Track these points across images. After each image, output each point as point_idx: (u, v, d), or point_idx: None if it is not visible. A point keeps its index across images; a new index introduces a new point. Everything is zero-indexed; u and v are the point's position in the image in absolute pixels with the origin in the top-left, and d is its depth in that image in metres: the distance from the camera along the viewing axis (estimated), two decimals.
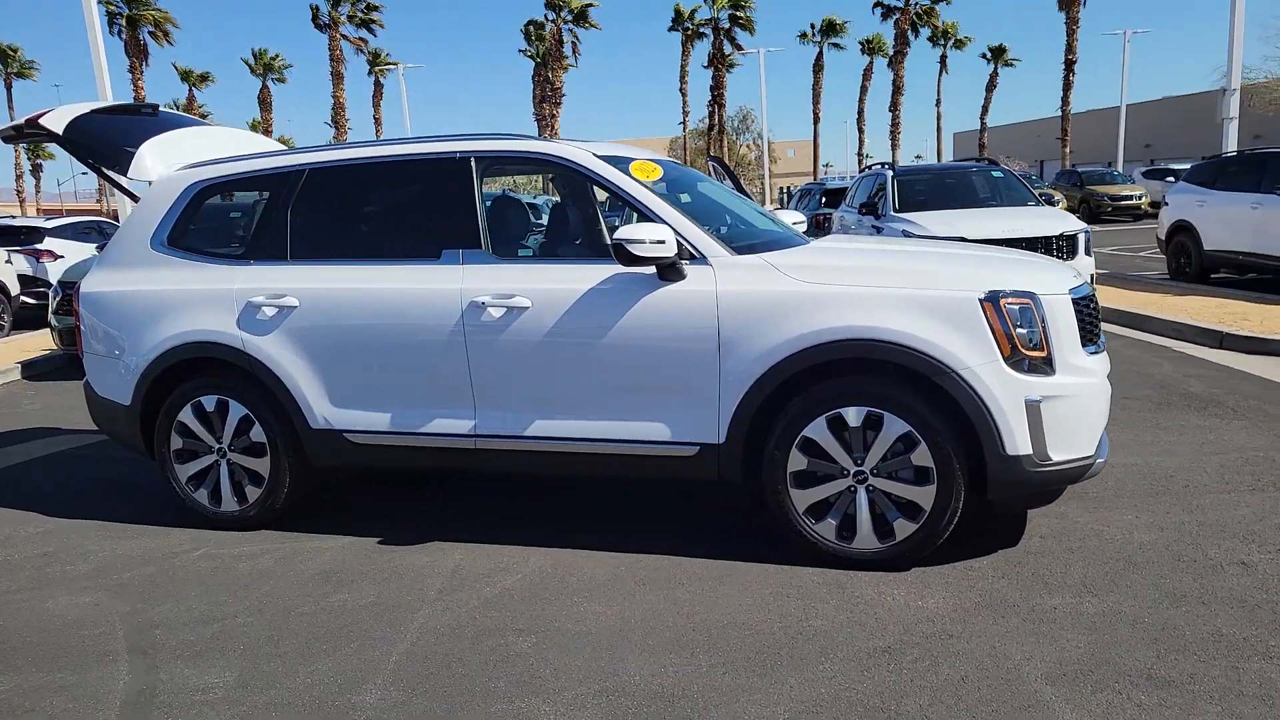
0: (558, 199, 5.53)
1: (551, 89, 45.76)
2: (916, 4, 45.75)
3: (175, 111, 5.50)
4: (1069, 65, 39.77)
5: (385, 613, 3.55)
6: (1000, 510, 3.72)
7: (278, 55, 53.17)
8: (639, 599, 3.54)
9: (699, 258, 3.84)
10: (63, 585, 3.99)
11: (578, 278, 3.96)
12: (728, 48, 48.45)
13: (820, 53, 52.47)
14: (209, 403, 4.52)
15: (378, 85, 49.34)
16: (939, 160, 51.10)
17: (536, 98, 48.04)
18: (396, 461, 4.36)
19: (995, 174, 11.09)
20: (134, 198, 5.57)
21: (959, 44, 53.39)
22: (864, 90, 52.52)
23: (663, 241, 3.71)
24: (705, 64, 50.23)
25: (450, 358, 4.10)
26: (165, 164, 4.89)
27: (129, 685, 3.09)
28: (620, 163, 4.16)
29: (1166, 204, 13.60)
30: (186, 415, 4.56)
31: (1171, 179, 35.03)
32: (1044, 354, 3.55)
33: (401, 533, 4.39)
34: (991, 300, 3.52)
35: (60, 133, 4.90)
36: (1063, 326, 3.61)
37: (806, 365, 3.63)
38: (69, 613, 3.71)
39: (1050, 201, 13.82)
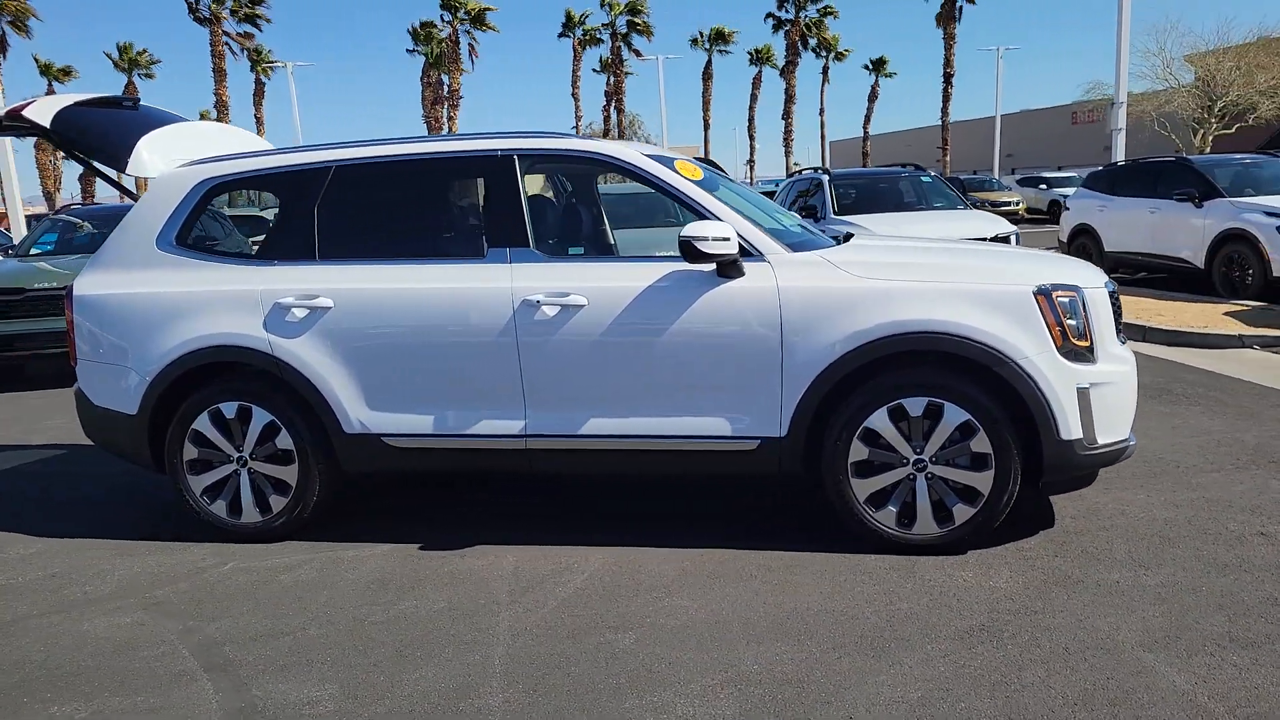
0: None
1: (449, 91, 45.04)
2: (806, 17, 47.15)
3: (155, 106, 5.21)
4: (947, 78, 41.74)
5: (464, 618, 3.48)
6: (1047, 493, 3.92)
7: (145, 50, 50.63)
8: (718, 592, 3.58)
9: (756, 255, 3.91)
10: (91, 607, 3.75)
11: (635, 275, 3.97)
12: (625, 53, 48.82)
13: (709, 61, 53.49)
14: (229, 409, 4.32)
15: (259, 84, 47.56)
16: (823, 166, 52.76)
17: (428, 99, 47.19)
18: (438, 464, 4.26)
19: (924, 179, 11.59)
20: (129, 193, 5.27)
21: (839, 56, 55.21)
22: (754, 99, 53.81)
23: (727, 239, 3.76)
24: (598, 69, 50.45)
25: (500, 357, 4.04)
26: (164, 160, 4.65)
27: (224, 704, 2.94)
28: (666, 162, 4.20)
29: (1067, 208, 14.47)
30: (203, 423, 4.34)
31: (1044, 185, 37.15)
32: (1088, 344, 3.77)
33: (442, 538, 4.30)
34: (1044, 293, 3.72)
35: (48, 125, 4.59)
36: (1103, 318, 3.84)
37: (870, 358, 3.75)
38: (115, 634, 3.49)
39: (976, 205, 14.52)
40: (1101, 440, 3.77)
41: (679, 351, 3.91)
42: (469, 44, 45.11)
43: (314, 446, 4.28)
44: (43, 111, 4.62)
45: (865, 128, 54.63)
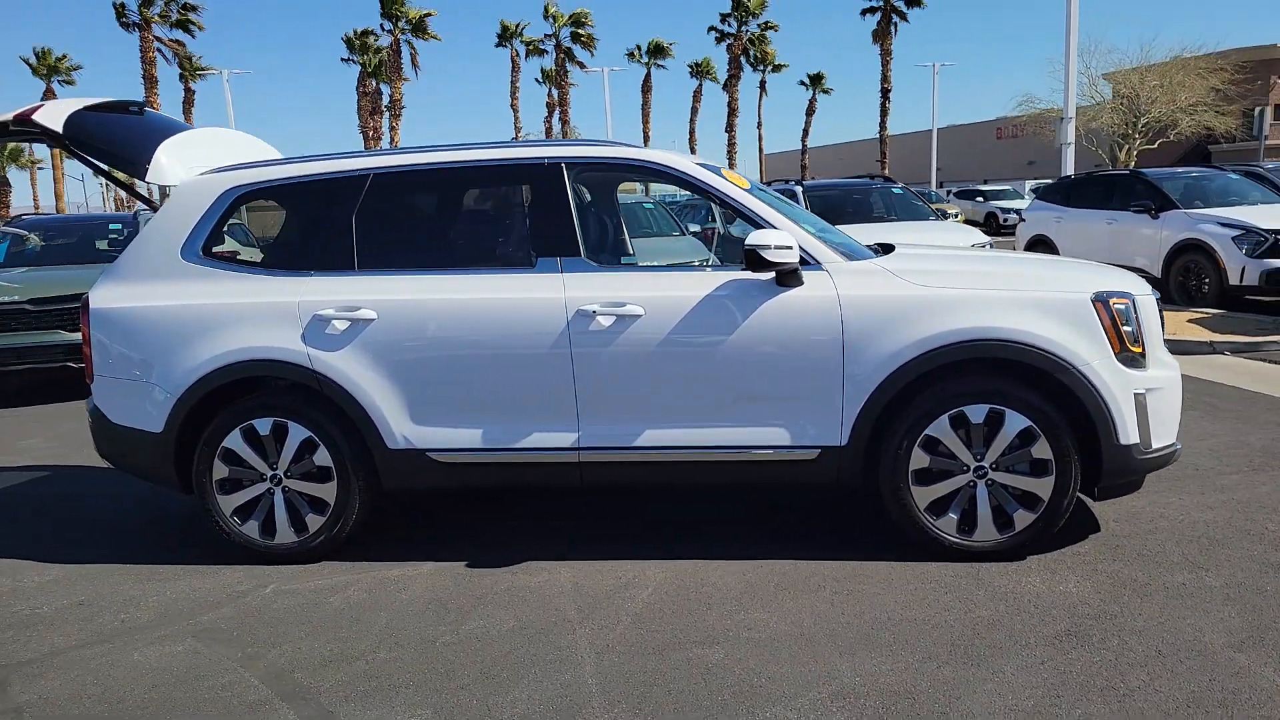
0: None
1: (391, 100, 44.41)
2: (748, 32, 47.75)
3: (158, 112, 5.01)
4: (885, 93, 42.68)
5: (538, 637, 3.38)
6: (1101, 498, 3.97)
7: (65, 55, 49.08)
8: (791, 604, 3.55)
9: (813, 263, 3.91)
10: (134, 636, 3.55)
11: (692, 284, 3.93)
12: (569, 65, 48.72)
13: (648, 74, 53.77)
14: (263, 426, 4.14)
15: (189, 92, 46.37)
16: (761, 179, 53.65)
17: (365, 109, 46.48)
18: (485, 479, 4.15)
19: (895, 190, 11.78)
20: (147, 202, 5.05)
21: (776, 69, 55.99)
22: (694, 111, 54.34)
23: (790, 247, 3.75)
24: (540, 79, 50.32)
25: (553, 368, 3.96)
26: (184, 168, 4.47)
27: None
28: (715, 171, 4.17)
29: (1024, 220, 14.85)
30: (234, 441, 4.16)
31: (980, 198, 38.09)
32: (1141, 350, 3.85)
33: (487, 555, 4.18)
34: (1101, 300, 3.78)
35: (60, 130, 4.37)
36: (1152, 324, 3.92)
37: (932, 366, 3.76)
38: (170, 664, 3.31)
39: (943, 216, 14.82)
40: (1155, 445, 3.84)
41: (738, 361, 3.87)
42: (410, 53, 44.61)
43: (354, 463, 4.13)
44: (53, 116, 4.40)
45: (803, 141, 55.47)
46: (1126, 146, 39.04)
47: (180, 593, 3.94)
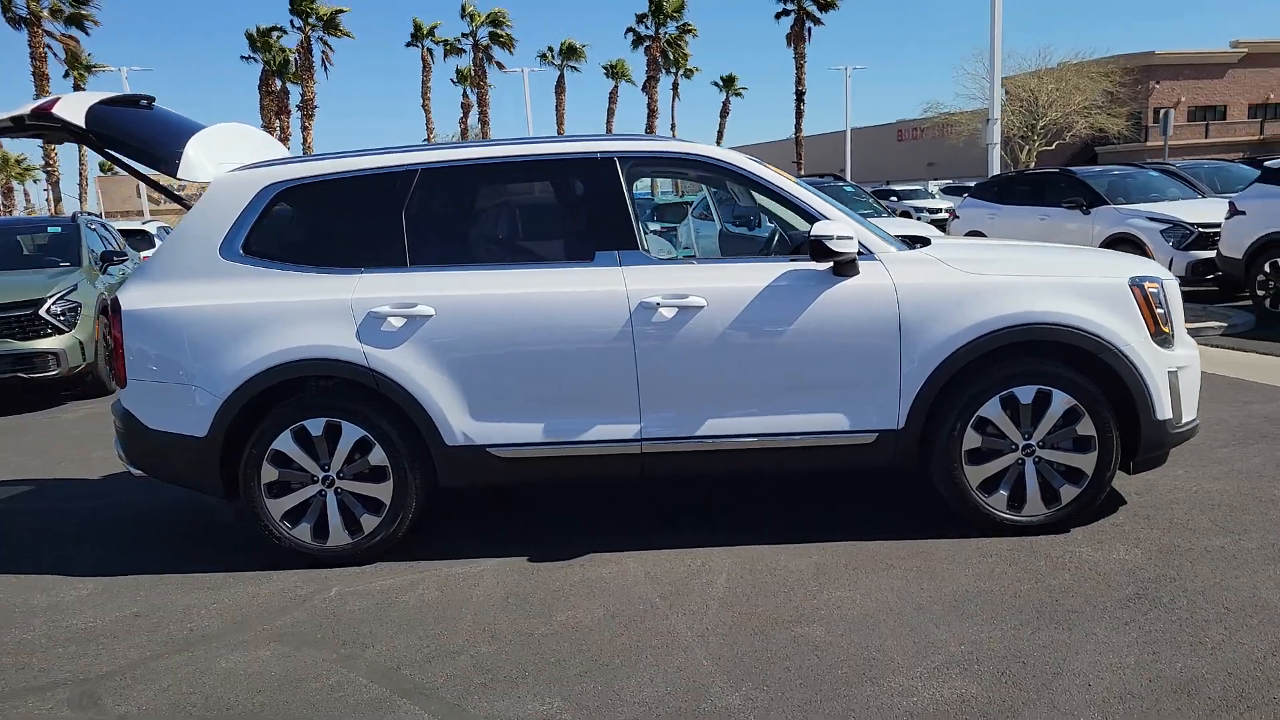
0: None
1: (303, 100, 43.19)
2: (666, 34, 48.13)
3: (168, 108, 4.84)
4: (799, 95, 43.64)
5: (634, 623, 3.42)
6: (1135, 472, 4.21)
7: None
8: (869, 582, 3.67)
9: (867, 254, 4.04)
10: (211, 644, 3.45)
11: (752, 275, 4.03)
12: (488, 65, 48.23)
13: (561, 75, 53.67)
14: (314, 426, 4.06)
15: (77, 89, 44.23)
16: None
17: (269, 108, 45.10)
18: (545, 474, 4.16)
19: (847, 188, 12.11)
20: (175, 198, 4.87)
21: (688, 73, 56.54)
22: (611, 113, 54.48)
23: (850, 238, 3.89)
24: (455, 80, 49.69)
25: (615, 360, 4.00)
26: (214, 164, 4.35)
27: None
28: (760, 165, 4.28)
29: (957, 217, 15.42)
30: (284, 442, 4.07)
31: (895, 198, 39.25)
32: (1170, 331, 4.10)
33: (544, 549, 4.19)
34: (1137, 284, 4.02)
35: (83, 125, 4.21)
36: (1177, 307, 4.18)
37: (985, 350, 3.94)
38: (265, 668, 3.23)
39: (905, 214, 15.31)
40: (1184, 420, 4.10)
41: (799, 350, 3.98)
42: (322, 51, 43.52)
43: (411, 461, 4.09)
44: (73, 110, 4.24)
45: (718, 142, 56.09)
46: (1027, 147, 40.79)
47: (239, 599, 3.84)
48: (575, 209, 4.19)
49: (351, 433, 4.07)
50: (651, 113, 49.13)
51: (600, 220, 4.10)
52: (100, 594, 3.98)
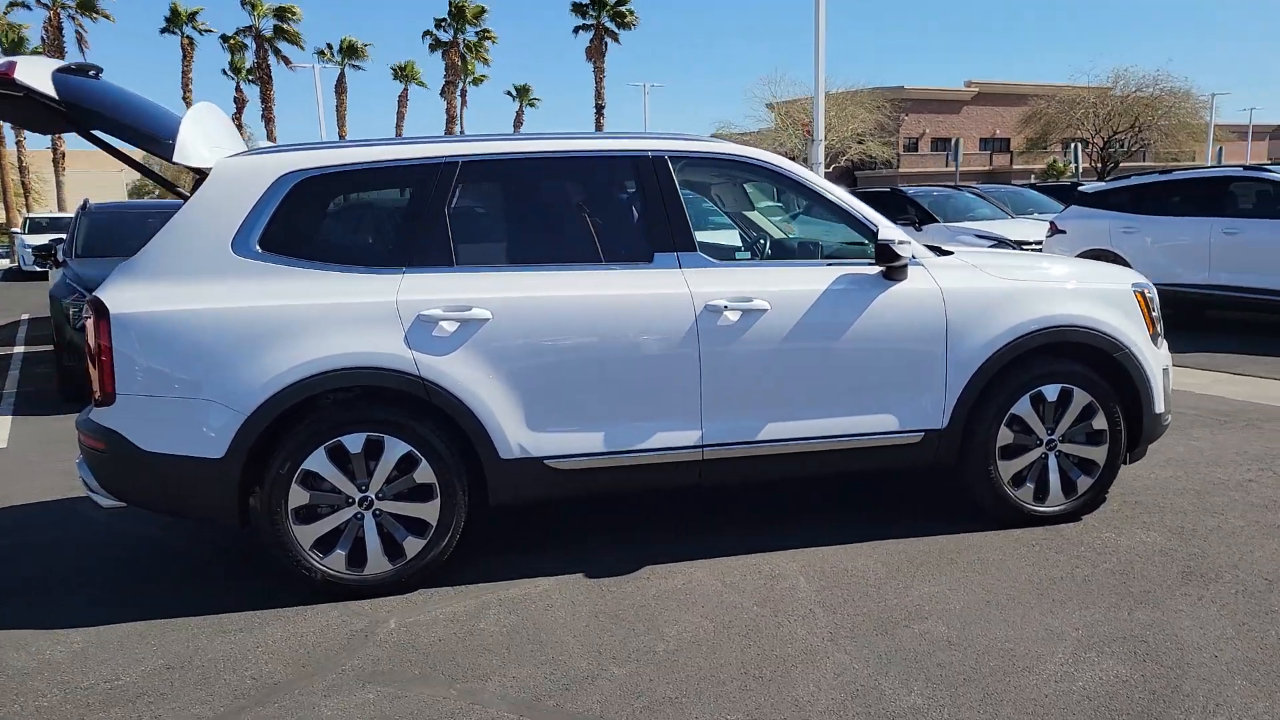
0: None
1: None
2: (465, 39, 47.14)
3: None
4: (599, 109, 44.28)
5: (753, 633, 3.34)
6: (1132, 461, 4.59)
7: None
8: (948, 578, 3.77)
9: (912, 259, 4.18)
10: (295, 691, 3.02)
11: (811, 279, 4.05)
12: (274, 60, 45.18)
13: (342, 74, 51.25)
14: (353, 443, 3.67)
15: None
16: None
17: None
18: (603, 484, 3.97)
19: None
20: (166, 184, 4.22)
21: (476, 80, 55.79)
22: (400, 116, 52.64)
23: (908, 243, 4.01)
24: (229, 72, 46.33)
25: (680, 365, 3.90)
26: (209, 148, 3.85)
27: None
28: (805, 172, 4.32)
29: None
30: (317, 461, 3.65)
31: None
32: (1159, 331, 4.53)
33: (596, 564, 4.00)
34: (1139, 289, 4.41)
35: (55, 95, 3.57)
36: (1158, 310, 4.62)
37: (1021, 351, 4.17)
38: (386, 712, 2.86)
39: None
40: (1169, 412, 4.54)
41: (856, 352, 4.05)
42: (77, 31, 39.09)
43: (461, 477, 3.78)
44: (36, 75, 3.58)
45: None
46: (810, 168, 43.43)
47: (286, 640, 3.39)
48: (630, 208, 4.04)
49: (395, 448, 3.70)
50: (450, 118, 48.01)
51: (658, 220, 3.98)
52: (98, 648, 3.38)
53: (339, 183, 3.88)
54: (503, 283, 3.80)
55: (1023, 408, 4.23)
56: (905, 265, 4.08)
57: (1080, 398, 4.28)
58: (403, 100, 52.33)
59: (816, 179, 4.24)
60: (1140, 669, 3.01)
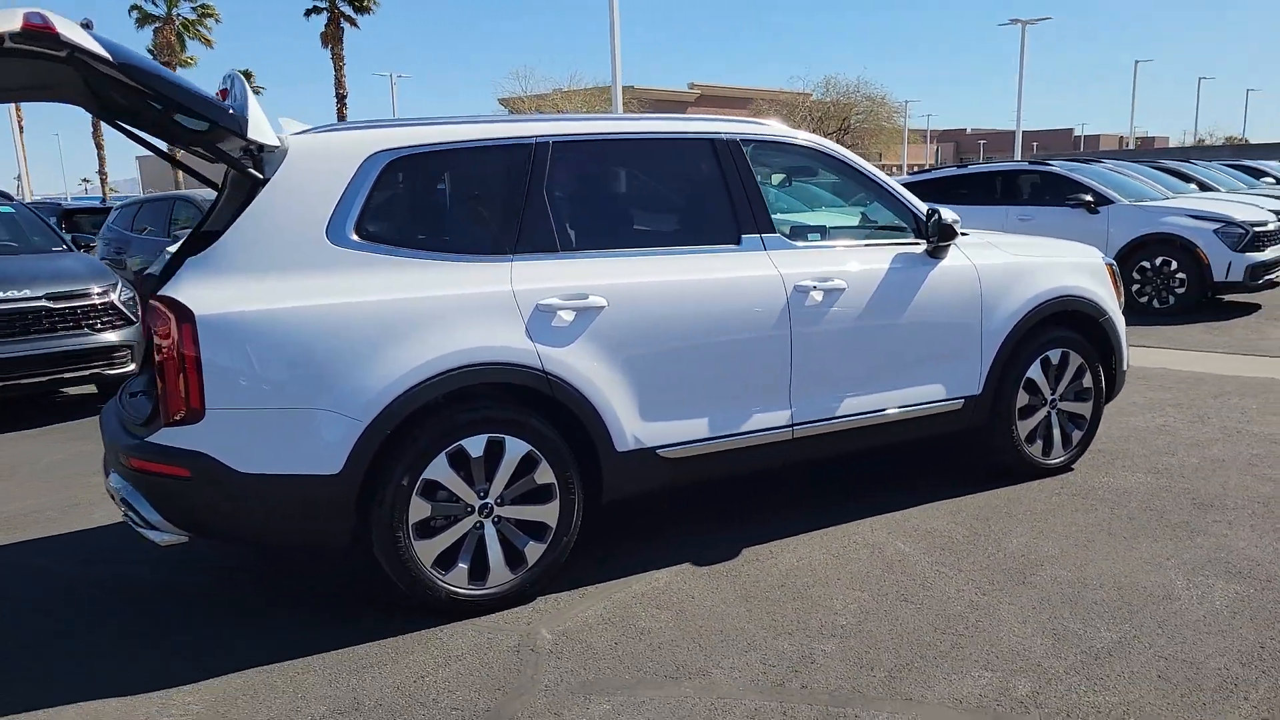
0: None
1: None
2: (180, 15, 42.61)
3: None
4: (340, 98, 41.87)
5: (908, 598, 3.47)
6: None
7: None
8: (1023, 531, 4.08)
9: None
10: (521, 714, 2.76)
11: (874, 258, 4.23)
12: None
13: None
14: (474, 446, 3.38)
15: None
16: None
17: None
18: (706, 471, 3.92)
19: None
20: (198, 174, 3.56)
21: (185, 63, 51.01)
22: None
23: (958, 221, 4.31)
24: None
25: (774, 346, 3.94)
26: (272, 125, 3.40)
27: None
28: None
29: None
30: (439, 469, 3.33)
31: None
32: (1121, 299, 5.15)
33: (687, 553, 3.96)
34: (1110, 264, 5.00)
35: (106, 54, 2.99)
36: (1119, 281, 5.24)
37: (1036, 320, 4.61)
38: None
39: None
40: (1127, 368, 5.20)
41: (915, 326, 4.29)
42: None
43: (579, 475, 3.60)
44: (77, 31, 2.99)
45: None
46: None
47: (443, 667, 3.08)
48: (715, 191, 3.99)
49: (516, 449, 3.46)
50: None
51: (743, 203, 3.99)
52: (232, 701, 2.89)
53: (430, 163, 3.53)
54: (610, 268, 3.65)
55: (1035, 371, 4.68)
56: (951, 244, 4.37)
57: (1074, 360, 4.79)
58: None
59: (866, 164, 4.43)
60: (1246, 584, 3.47)
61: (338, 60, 41.15)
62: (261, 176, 3.30)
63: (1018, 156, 36.25)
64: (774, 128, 4.26)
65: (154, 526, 3.21)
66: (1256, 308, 10.35)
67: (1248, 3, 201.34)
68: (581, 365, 3.52)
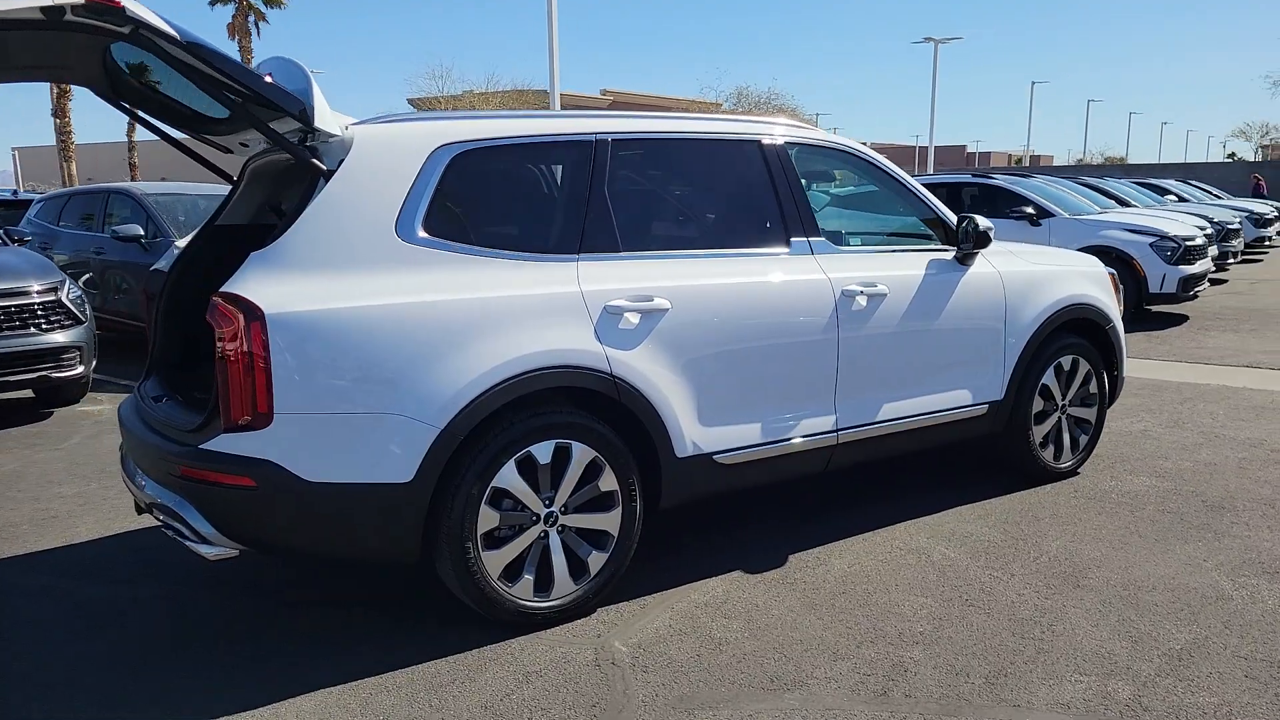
0: None
1: None
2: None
3: None
4: None
5: (973, 602, 3.47)
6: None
7: None
8: (1059, 535, 4.14)
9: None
10: None
11: (910, 264, 4.26)
12: None
13: None
14: (542, 452, 3.25)
15: None
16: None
17: None
18: (755, 478, 3.85)
19: None
20: (218, 171, 3.30)
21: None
22: None
23: (992, 229, 4.37)
24: None
25: (823, 350, 3.92)
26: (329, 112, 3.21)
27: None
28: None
29: None
30: (508, 476, 3.19)
31: None
32: (1121, 308, 5.32)
33: (742, 561, 3.90)
34: (1111, 273, 5.16)
35: (174, 32, 2.78)
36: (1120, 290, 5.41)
37: (1052, 326, 4.71)
38: None
39: None
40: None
41: (947, 331, 4.33)
42: None
43: (641, 481, 3.50)
44: (142, 8, 2.78)
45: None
46: None
47: (525, 684, 2.93)
48: (764, 193, 3.94)
49: (582, 455, 3.34)
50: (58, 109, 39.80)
51: (788, 206, 3.95)
52: None
53: (494, 158, 3.38)
54: (669, 270, 3.56)
55: (1049, 377, 4.78)
56: (979, 252, 4.43)
57: (1083, 366, 4.92)
58: None
59: (900, 171, 4.45)
60: None
61: (245, 54, 39.53)
62: (324, 168, 3.09)
63: (930, 171, 37.45)
64: (813, 132, 4.24)
65: (205, 540, 2.97)
66: (1185, 318, 10.89)
67: (1132, 29, 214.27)
68: (646, 369, 3.42)
